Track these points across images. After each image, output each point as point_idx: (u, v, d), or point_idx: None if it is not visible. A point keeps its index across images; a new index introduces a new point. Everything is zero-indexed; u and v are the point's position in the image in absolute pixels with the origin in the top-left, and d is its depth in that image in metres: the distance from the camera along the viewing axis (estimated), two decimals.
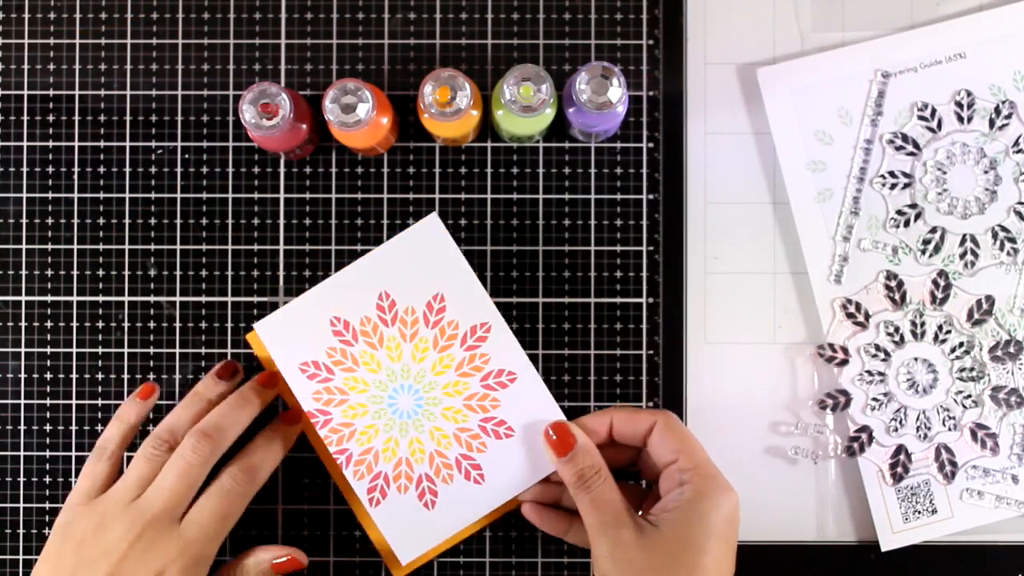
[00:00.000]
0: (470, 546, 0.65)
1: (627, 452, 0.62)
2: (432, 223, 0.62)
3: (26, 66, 0.65)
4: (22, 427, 0.65)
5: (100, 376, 0.65)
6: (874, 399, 0.64)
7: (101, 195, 0.65)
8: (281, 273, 0.65)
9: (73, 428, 0.65)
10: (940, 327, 0.64)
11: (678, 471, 0.57)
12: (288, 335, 0.62)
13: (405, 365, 0.62)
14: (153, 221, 0.65)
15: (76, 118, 0.65)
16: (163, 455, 0.59)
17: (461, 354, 0.62)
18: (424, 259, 0.62)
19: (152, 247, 0.65)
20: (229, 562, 0.61)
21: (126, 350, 0.65)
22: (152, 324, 0.65)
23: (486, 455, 0.62)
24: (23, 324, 0.65)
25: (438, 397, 0.62)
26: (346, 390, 0.62)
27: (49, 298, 0.65)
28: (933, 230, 0.64)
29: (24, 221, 0.65)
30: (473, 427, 0.62)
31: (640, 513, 0.58)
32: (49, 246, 0.65)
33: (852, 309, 0.64)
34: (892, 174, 0.64)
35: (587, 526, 0.57)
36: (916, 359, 0.64)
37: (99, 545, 0.57)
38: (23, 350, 0.65)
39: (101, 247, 0.65)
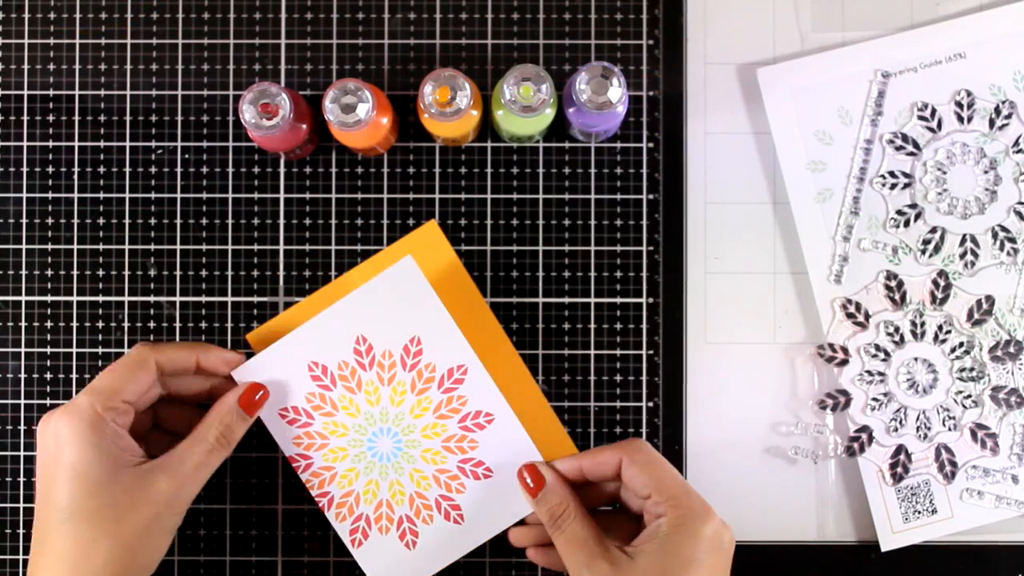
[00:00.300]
0: None
1: (609, 488, 0.61)
2: (407, 265, 0.61)
3: (26, 66, 0.65)
4: (22, 427, 0.65)
5: None
6: (874, 399, 0.64)
7: (101, 195, 0.65)
8: (281, 273, 0.65)
9: None
10: (940, 327, 0.64)
11: (652, 505, 0.57)
12: (267, 381, 0.61)
13: (384, 408, 0.62)
14: (153, 221, 0.65)
15: (76, 118, 0.65)
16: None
17: (439, 396, 0.62)
18: (400, 301, 0.61)
19: (152, 247, 0.65)
20: (198, 423, 0.59)
21: (126, 350, 0.65)
22: (152, 324, 0.65)
23: (465, 496, 0.62)
24: (23, 324, 0.65)
25: (417, 439, 0.62)
26: (326, 434, 0.62)
27: (49, 298, 0.65)
28: (933, 230, 0.64)
29: (24, 221, 0.65)
30: (452, 468, 0.62)
31: (626, 544, 0.57)
32: (49, 246, 0.65)
33: (852, 309, 0.64)
34: (892, 174, 0.64)
35: (566, 565, 0.57)
36: (916, 359, 0.64)
37: (45, 439, 0.56)
38: (23, 350, 0.65)
39: (101, 247, 0.65)
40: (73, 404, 0.56)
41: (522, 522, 0.62)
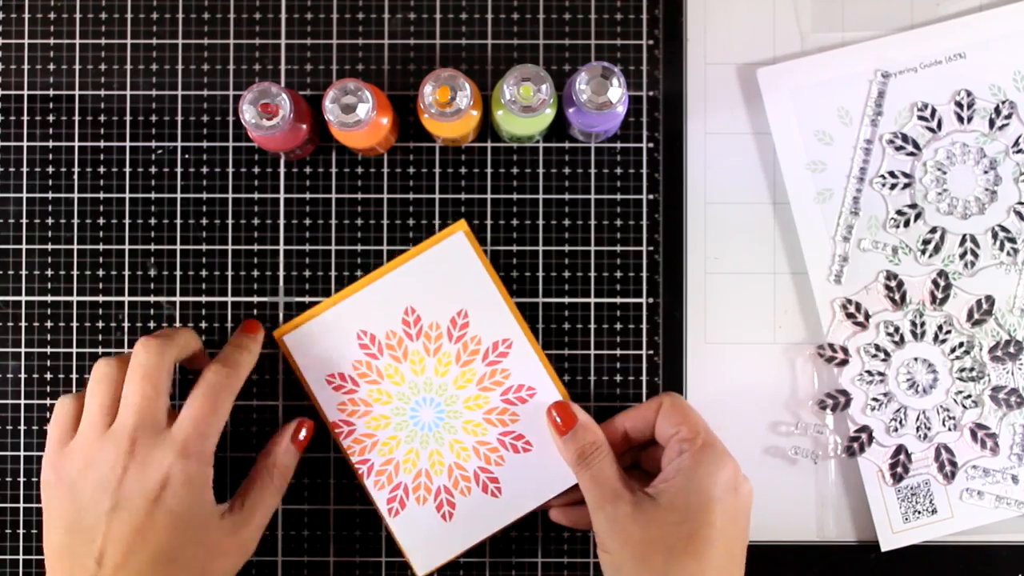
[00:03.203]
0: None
1: (628, 456, 0.62)
2: (459, 239, 0.63)
3: (26, 66, 0.65)
4: (22, 427, 0.65)
5: None
6: (874, 399, 0.64)
7: (101, 195, 0.65)
8: (281, 273, 0.65)
9: None
10: (940, 327, 0.64)
11: (678, 442, 0.57)
12: (315, 347, 0.63)
13: (428, 378, 0.63)
14: (153, 221, 0.65)
15: (76, 118, 0.65)
16: (116, 371, 0.57)
17: (483, 369, 0.63)
18: (450, 275, 0.63)
19: (152, 247, 0.65)
20: (251, 470, 0.60)
21: (126, 350, 0.65)
22: (152, 324, 0.65)
23: (504, 468, 0.63)
24: (23, 324, 0.65)
25: (459, 410, 0.63)
26: (370, 402, 0.63)
27: (49, 298, 0.65)
28: (933, 230, 0.64)
29: (24, 221, 0.65)
30: (492, 440, 0.63)
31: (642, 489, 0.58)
32: (49, 246, 0.65)
33: (852, 309, 0.64)
34: (892, 174, 0.64)
35: (588, 503, 0.58)
36: (916, 359, 0.64)
37: (93, 480, 0.55)
38: (23, 350, 0.65)
39: (101, 247, 0.65)
40: (184, 447, 0.55)
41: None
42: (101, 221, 0.65)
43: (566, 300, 0.65)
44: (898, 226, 0.64)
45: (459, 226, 0.64)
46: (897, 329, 0.64)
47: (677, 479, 0.56)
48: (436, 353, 0.63)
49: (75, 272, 0.65)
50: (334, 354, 0.63)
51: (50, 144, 0.65)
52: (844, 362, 0.64)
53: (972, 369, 0.64)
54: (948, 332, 0.64)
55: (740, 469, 0.57)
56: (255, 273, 0.65)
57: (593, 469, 0.58)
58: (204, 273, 0.65)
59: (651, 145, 0.65)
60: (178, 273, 0.65)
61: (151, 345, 0.57)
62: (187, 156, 0.65)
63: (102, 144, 0.65)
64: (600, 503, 0.57)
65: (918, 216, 0.64)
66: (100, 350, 0.65)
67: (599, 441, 0.59)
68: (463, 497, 0.63)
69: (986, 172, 0.64)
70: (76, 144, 0.65)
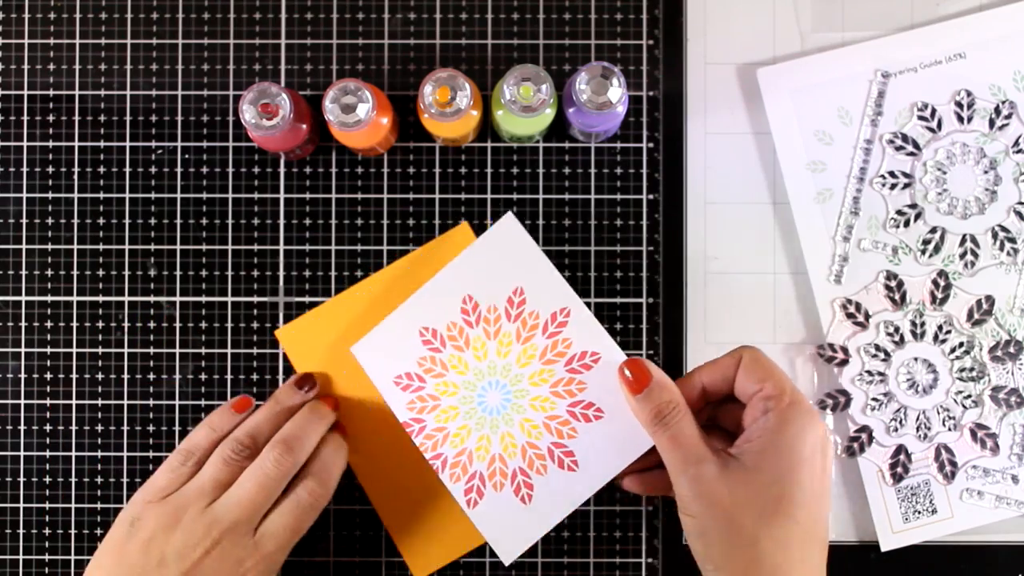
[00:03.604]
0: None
1: (704, 413, 0.60)
2: (509, 224, 0.62)
3: (26, 66, 0.65)
4: (22, 427, 0.65)
5: (100, 376, 0.65)
6: (874, 399, 0.64)
7: (101, 195, 0.65)
8: (281, 273, 0.65)
9: (73, 428, 0.65)
10: (940, 327, 0.64)
11: (762, 399, 0.54)
12: (383, 352, 0.63)
13: (491, 362, 0.62)
14: (153, 221, 0.65)
15: (76, 118, 0.65)
16: (242, 461, 0.59)
17: (544, 342, 0.62)
18: (503, 258, 0.62)
19: (152, 247, 0.65)
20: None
21: (126, 350, 0.65)
22: (152, 324, 0.65)
23: (578, 440, 0.62)
24: (23, 324, 0.65)
25: (525, 388, 0.62)
26: (437, 395, 0.63)
27: (49, 298, 0.65)
28: (933, 230, 0.64)
29: (24, 221, 0.65)
30: (562, 413, 0.62)
31: (725, 449, 0.55)
32: (49, 246, 0.65)
33: (852, 309, 0.64)
34: (892, 174, 0.64)
35: (667, 465, 0.55)
36: (916, 359, 0.64)
37: (171, 546, 0.56)
38: (23, 350, 0.65)
39: (101, 247, 0.65)
40: (265, 556, 0.57)
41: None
42: (101, 221, 0.65)
43: None
44: (898, 226, 0.64)
45: (507, 217, 0.63)
46: (897, 329, 0.64)
47: (764, 439, 0.53)
48: (496, 336, 0.62)
49: (75, 272, 0.65)
50: (400, 355, 0.63)
51: (50, 144, 0.65)
52: (844, 362, 0.64)
53: (972, 369, 0.64)
54: (948, 332, 0.64)
55: (827, 428, 0.54)
56: (255, 273, 0.65)
57: (673, 429, 0.55)
58: (204, 273, 0.65)
59: (651, 145, 0.65)
60: (178, 273, 0.65)
61: (283, 463, 0.58)
62: (187, 156, 0.65)
63: (102, 144, 0.65)
64: (682, 466, 0.54)
65: (918, 216, 0.64)
66: (100, 350, 0.65)
67: (676, 399, 0.56)
68: (540, 476, 0.62)
69: (986, 172, 0.64)
70: (76, 144, 0.65)
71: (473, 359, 0.62)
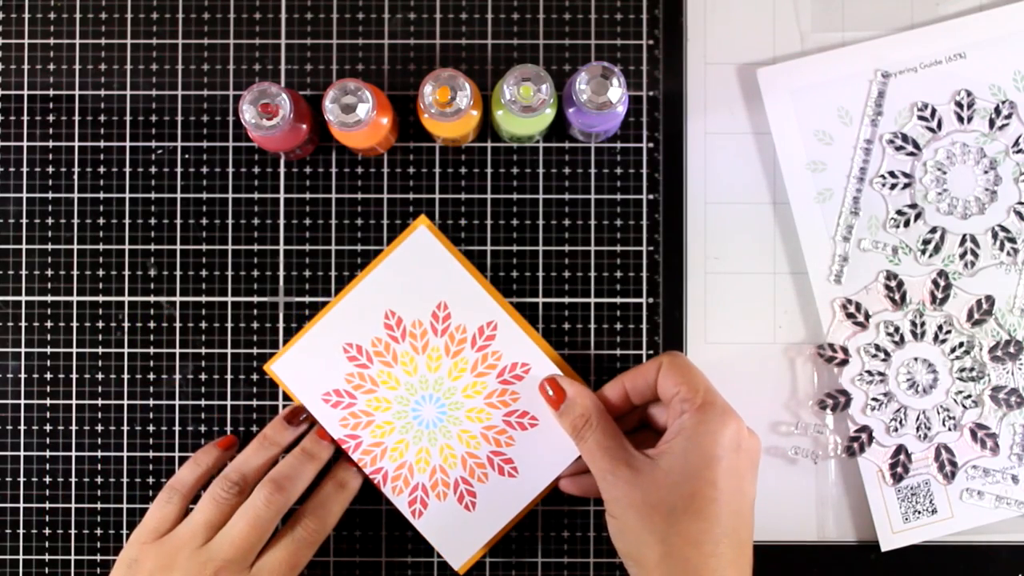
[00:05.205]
0: None
1: (636, 415, 0.62)
2: (421, 234, 0.63)
3: (26, 66, 0.65)
4: (22, 427, 0.65)
5: (100, 376, 0.65)
6: (874, 399, 0.64)
7: (101, 195, 0.65)
8: (281, 273, 0.65)
9: (73, 428, 0.65)
10: (940, 327, 0.64)
11: (679, 401, 0.57)
12: (305, 369, 0.63)
13: (422, 376, 0.63)
14: (153, 221, 0.65)
15: (76, 118, 0.65)
16: (233, 499, 0.59)
17: (474, 356, 0.63)
18: (422, 269, 0.63)
19: (152, 247, 0.65)
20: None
21: (126, 350, 0.65)
22: (152, 324, 0.65)
23: (516, 448, 0.63)
24: (23, 324, 0.65)
25: (459, 401, 0.63)
26: (370, 411, 0.63)
27: (49, 298, 0.65)
28: (933, 230, 0.64)
29: (24, 221, 0.65)
30: (499, 423, 0.63)
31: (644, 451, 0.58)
32: (49, 246, 0.65)
33: (852, 309, 0.64)
34: (892, 174, 0.64)
35: (592, 471, 0.58)
36: (916, 359, 0.64)
37: None
38: (23, 350, 0.65)
39: (101, 247, 0.65)
40: None
41: None
42: (101, 221, 0.65)
43: (566, 300, 0.65)
44: (898, 226, 0.64)
45: (420, 221, 0.64)
46: (897, 329, 0.64)
47: (678, 440, 0.56)
48: (424, 350, 0.63)
49: (75, 272, 0.65)
50: (325, 372, 0.63)
51: (50, 144, 0.65)
52: (844, 362, 0.64)
53: (972, 369, 0.64)
54: (948, 332, 0.64)
55: (744, 426, 0.56)
56: (255, 273, 0.65)
57: (588, 442, 0.58)
58: (204, 273, 0.65)
59: (651, 145, 0.65)
60: (178, 273, 0.65)
61: (273, 502, 0.58)
62: (187, 156, 0.65)
63: (102, 144, 0.65)
64: (601, 472, 0.57)
65: (918, 216, 0.64)
66: (100, 350, 0.65)
67: (588, 413, 0.59)
68: (481, 484, 0.63)
69: (986, 172, 0.64)
70: (76, 144, 0.65)
71: (403, 374, 0.63)
